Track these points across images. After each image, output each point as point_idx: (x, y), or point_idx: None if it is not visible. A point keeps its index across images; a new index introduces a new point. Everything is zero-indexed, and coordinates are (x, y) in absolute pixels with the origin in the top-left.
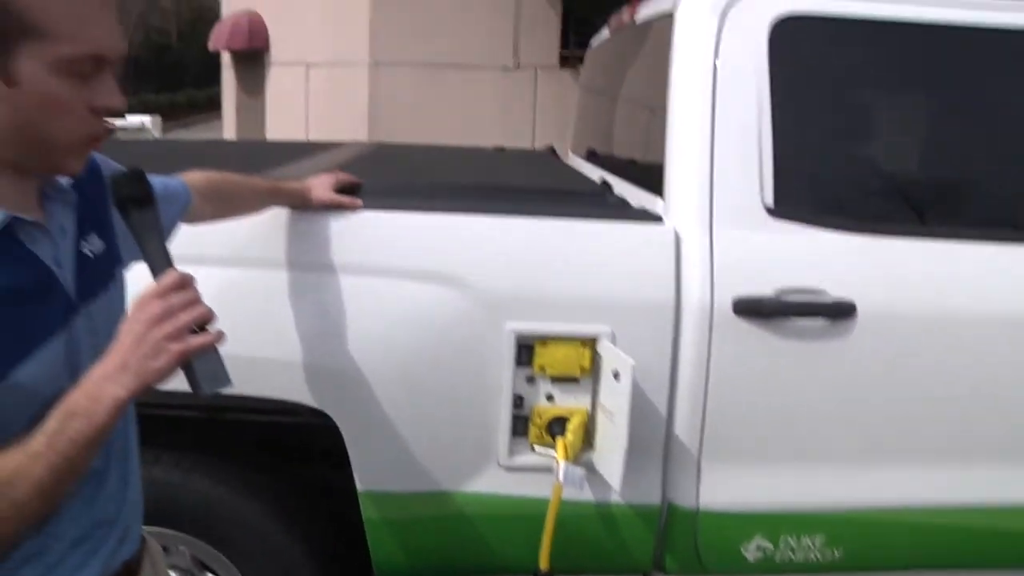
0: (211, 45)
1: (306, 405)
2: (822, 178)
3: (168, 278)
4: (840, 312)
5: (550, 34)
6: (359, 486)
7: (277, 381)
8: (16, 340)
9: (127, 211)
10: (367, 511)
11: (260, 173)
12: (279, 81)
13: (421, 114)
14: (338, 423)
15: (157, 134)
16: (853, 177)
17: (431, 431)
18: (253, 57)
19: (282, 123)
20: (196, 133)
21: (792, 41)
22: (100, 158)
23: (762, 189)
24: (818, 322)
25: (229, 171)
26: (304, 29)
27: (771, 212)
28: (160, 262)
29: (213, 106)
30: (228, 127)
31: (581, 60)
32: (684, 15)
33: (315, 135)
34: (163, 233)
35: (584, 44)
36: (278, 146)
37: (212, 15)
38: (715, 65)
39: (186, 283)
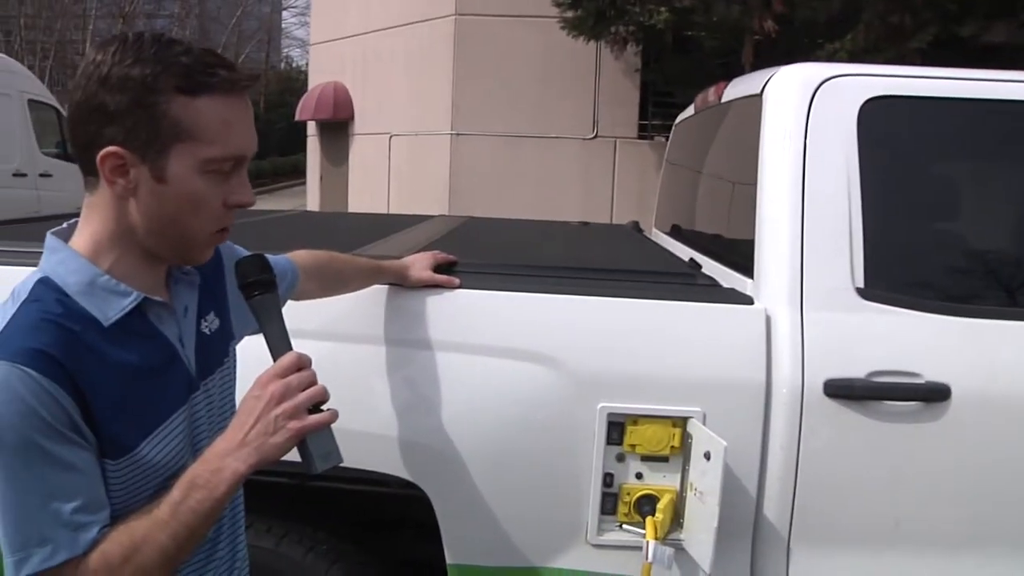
0: (298, 115)
1: (399, 477)
2: (913, 259)
3: (287, 359)
4: (934, 395)
5: (629, 106)
6: (449, 559)
7: (371, 453)
8: (144, 415)
9: (251, 295)
10: None
11: (356, 249)
12: (362, 150)
13: (500, 184)
14: (430, 496)
15: None
16: (944, 257)
17: (521, 506)
18: (338, 127)
19: (364, 191)
20: (280, 200)
21: (881, 122)
22: None
23: (852, 270)
24: (911, 405)
25: (327, 246)
26: (388, 100)
27: (861, 293)
28: (280, 343)
29: (297, 173)
30: (312, 194)
31: (660, 131)
32: (773, 97)
33: (396, 203)
34: (282, 315)
35: (663, 116)
36: (369, 219)
37: (299, 85)
38: (804, 146)
39: (304, 364)
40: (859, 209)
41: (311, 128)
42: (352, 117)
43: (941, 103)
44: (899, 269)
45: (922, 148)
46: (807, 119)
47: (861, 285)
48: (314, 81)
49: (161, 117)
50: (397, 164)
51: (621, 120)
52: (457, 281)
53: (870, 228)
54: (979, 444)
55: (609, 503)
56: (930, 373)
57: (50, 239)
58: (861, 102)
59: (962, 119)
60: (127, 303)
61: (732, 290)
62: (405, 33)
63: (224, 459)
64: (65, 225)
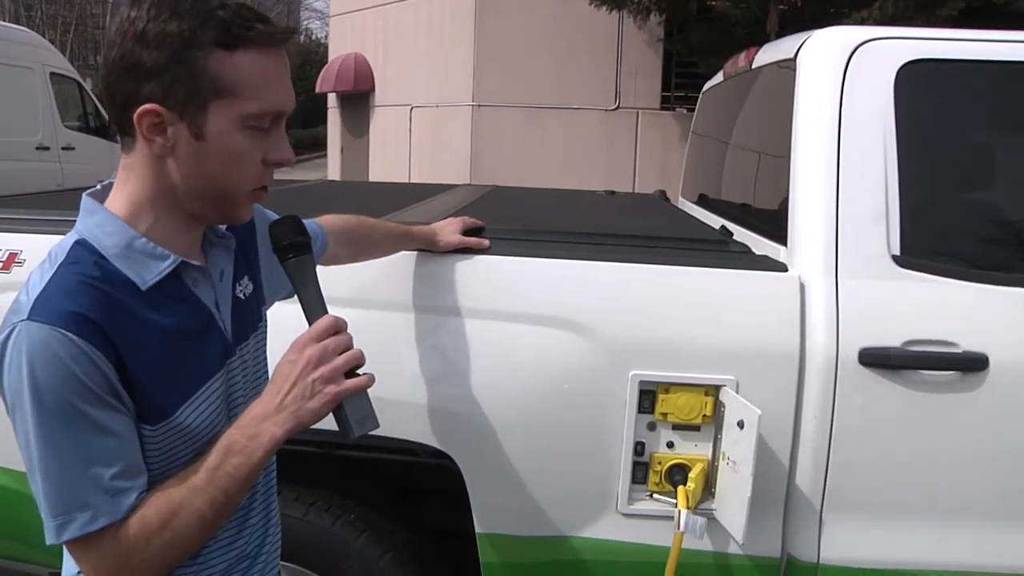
0: (318, 87)
1: (428, 446)
2: (951, 226)
3: (323, 322)
4: (972, 365)
5: (652, 77)
6: (478, 528)
7: (401, 421)
8: (182, 380)
9: (286, 257)
10: (485, 554)
11: (383, 216)
12: (383, 122)
13: (522, 155)
14: (460, 464)
15: None
16: (983, 225)
17: (551, 476)
18: (358, 99)
19: (385, 163)
20: (301, 172)
21: (919, 86)
22: None
23: (888, 237)
24: (948, 375)
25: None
26: (409, 72)
27: (898, 261)
28: (315, 306)
29: (318, 146)
30: (333, 166)
31: (683, 102)
32: (807, 61)
33: (417, 175)
34: (317, 278)
35: (686, 87)
36: (395, 188)
37: (318, 58)
38: (840, 112)
39: (340, 327)
40: (896, 175)
41: (331, 100)
42: (373, 89)
43: (981, 66)
44: (936, 237)
45: (961, 113)
46: (843, 83)
47: (897, 252)
48: (334, 53)
49: (200, 73)
50: (418, 136)
51: (644, 91)
52: (487, 243)
53: (907, 195)
54: (1017, 415)
55: (640, 472)
56: (967, 342)
57: (86, 201)
58: (898, 66)
59: (1003, 83)
60: (164, 267)
61: (766, 257)
62: (426, 3)
63: (261, 424)
64: (99, 186)
